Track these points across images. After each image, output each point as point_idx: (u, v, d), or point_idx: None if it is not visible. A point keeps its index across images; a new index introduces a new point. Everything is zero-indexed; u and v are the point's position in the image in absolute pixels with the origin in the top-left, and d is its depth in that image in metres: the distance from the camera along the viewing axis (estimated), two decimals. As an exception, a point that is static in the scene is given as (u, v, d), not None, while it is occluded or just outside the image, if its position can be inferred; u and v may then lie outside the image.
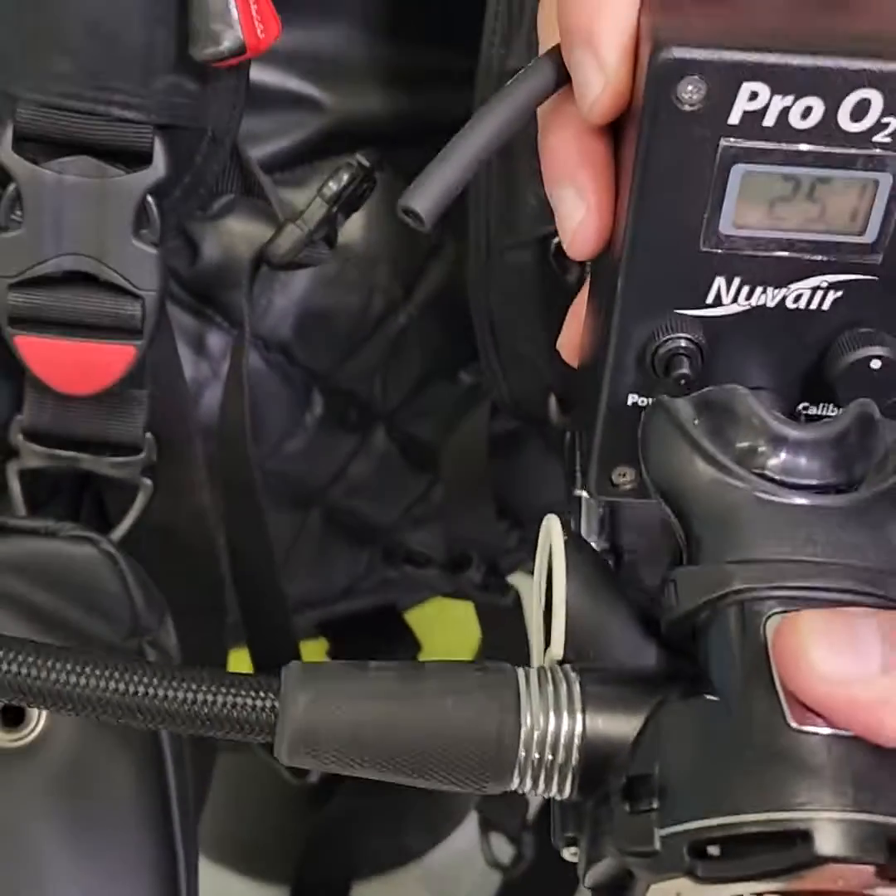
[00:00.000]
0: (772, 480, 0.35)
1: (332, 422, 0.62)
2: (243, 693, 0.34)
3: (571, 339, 0.40)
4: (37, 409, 0.52)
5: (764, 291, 0.35)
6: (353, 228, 0.57)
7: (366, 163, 0.51)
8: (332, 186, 0.50)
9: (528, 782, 0.34)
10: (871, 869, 0.30)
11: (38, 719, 0.47)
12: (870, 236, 0.34)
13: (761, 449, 0.35)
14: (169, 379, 0.53)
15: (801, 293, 0.35)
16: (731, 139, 0.33)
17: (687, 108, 0.32)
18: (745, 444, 0.35)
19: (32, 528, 0.50)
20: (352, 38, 0.56)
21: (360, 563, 0.69)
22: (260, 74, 0.55)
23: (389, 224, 0.58)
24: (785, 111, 0.32)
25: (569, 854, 0.36)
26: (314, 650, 0.69)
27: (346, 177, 0.50)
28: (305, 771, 0.64)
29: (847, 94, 0.32)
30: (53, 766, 0.47)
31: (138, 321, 0.49)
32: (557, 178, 0.36)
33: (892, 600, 0.33)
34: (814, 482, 0.35)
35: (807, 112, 0.32)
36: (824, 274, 0.35)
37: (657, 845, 0.32)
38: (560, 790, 0.34)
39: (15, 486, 0.52)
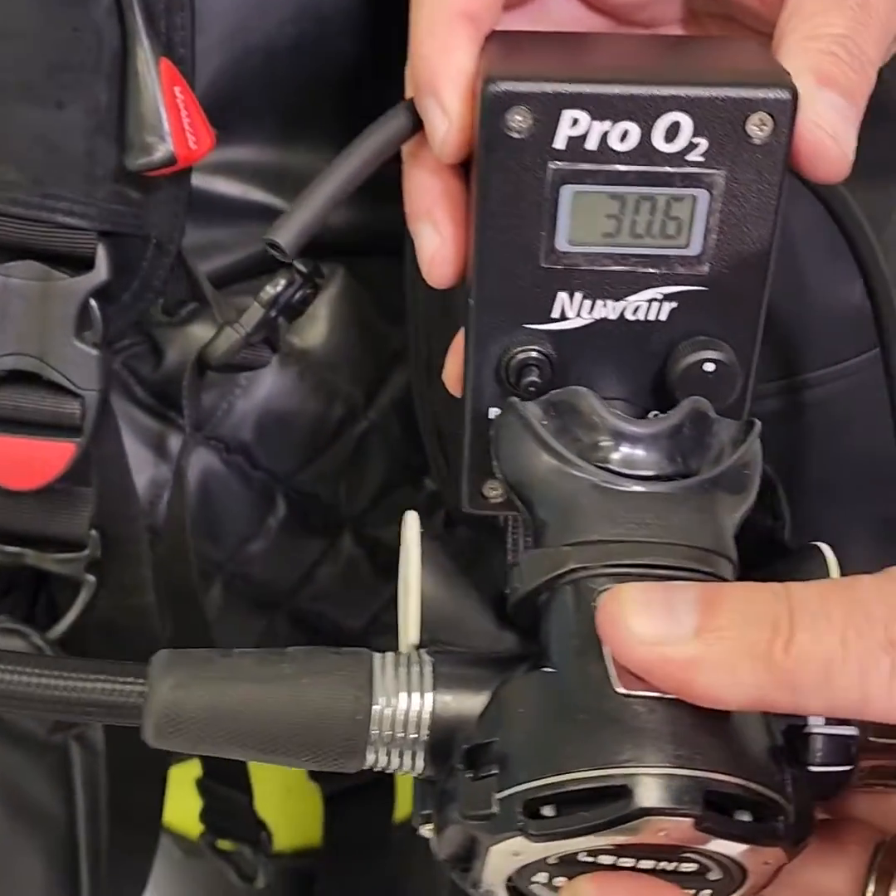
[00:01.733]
0: (612, 471, 0.37)
1: (296, 525, 0.63)
2: (114, 679, 0.37)
3: (453, 372, 0.43)
4: None
5: (604, 304, 0.38)
6: (313, 334, 0.59)
7: (303, 269, 0.52)
8: (269, 290, 0.52)
9: (383, 759, 0.36)
10: (689, 821, 0.32)
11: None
12: (694, 249, 0.37)
13: (603, 443, 0.37)
14: (116, 477, 0.54)
15: (639, 305, 0.38)
16: (559, 163, 0.36)
17: (516, 135, 0.36)
18: (587, 440, 0.37)
19: (-38, 620, 0.51)
20: (316, 154, 0.58)
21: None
22: (227, 187, 0.57)
23: (351, 330, 0.60)
24: (605, 135, 0.35)
25: (425, 831, 0.37)
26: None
27: (282, 282, 0.52)
28: (253, 876, 0.63)
29: (658, 118, 0.35)
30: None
31: (78, 419, 0.50)
32: (416, 214, 0.39)
33: (719, 577, 0.36)
34: (652, 473, 0.37)
35: (624, 135, 0.35)
36: (658, 286, 0.37)
37: (495, 808, 0.33)
38: (412, 766, 0.36)
39: (-39, 580, 0.54)
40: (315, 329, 0.59)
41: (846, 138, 0.36)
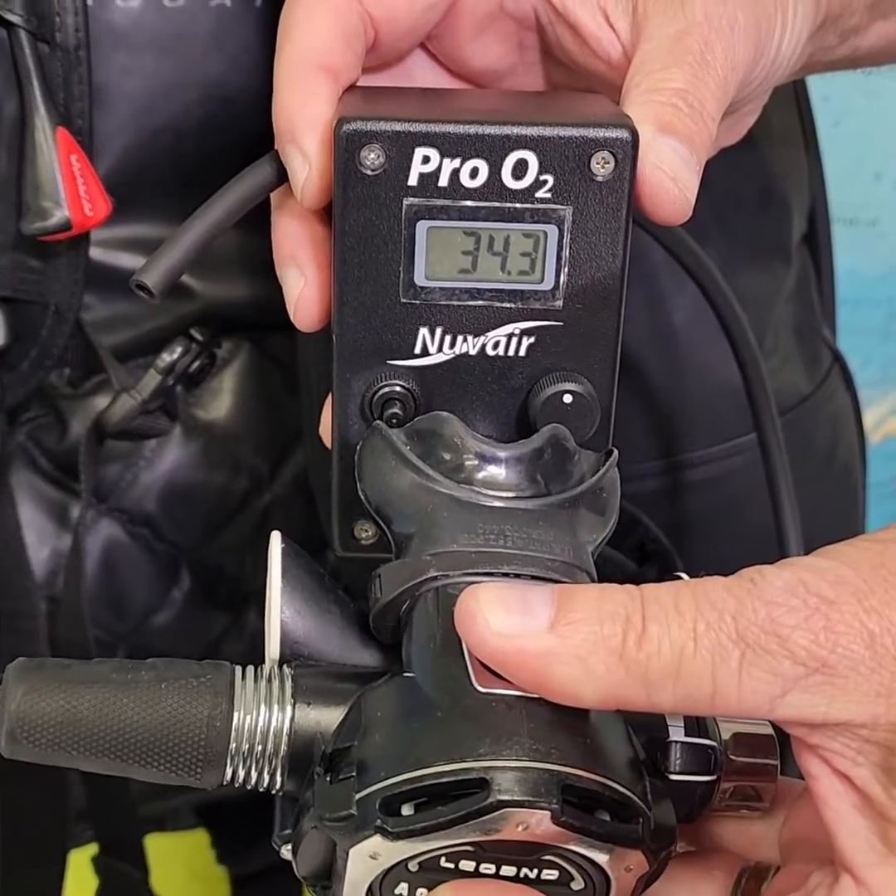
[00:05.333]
0: (473, 489, 0.38)
1: (201, 598, 0.63)
2: None
3: (327, 424, 0.43)
4: None
5: (465, 340, 0.39)
6: (218, 408, 0.60)
7: (199, 337, 0.53)
8: (166, 357, 0.53)
9: (241, 773, 0.36)
10: (547, 814, 0.32)
11: None
12: (547, 284, 0.38)
13: (466, 464, 0.38)
14: (11, 552, 0.54)
15: (498, 340, 0.39)
16: (413, 199, 0.37)
17: (370, 172, 0.37)
18: (450, 461, 0.38)
19: None
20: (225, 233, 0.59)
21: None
22: (133, 262, 0.58)
23: (255, 404, 0.61)
24: (455, 172, 0.37)
25: (286, 851, 0.36)
26: (196, 841, 0.67)
27: (179, 349, 0.53)
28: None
29: (506, 156, 0.37)
30: None
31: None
32: (282, 259, 0.40)
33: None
34: (513, 493, 0.38)
35: (474, 172, 0.37)
36: (515, 321, 0.39)
37: (353, 808, 0.33)
38: (272, 781, 0.36)
39: None
40: (220, 403, 0.60)
41: (686, 181, 0.38)
